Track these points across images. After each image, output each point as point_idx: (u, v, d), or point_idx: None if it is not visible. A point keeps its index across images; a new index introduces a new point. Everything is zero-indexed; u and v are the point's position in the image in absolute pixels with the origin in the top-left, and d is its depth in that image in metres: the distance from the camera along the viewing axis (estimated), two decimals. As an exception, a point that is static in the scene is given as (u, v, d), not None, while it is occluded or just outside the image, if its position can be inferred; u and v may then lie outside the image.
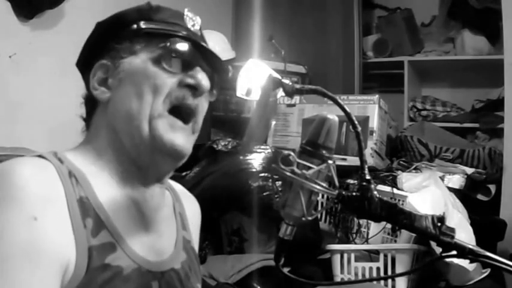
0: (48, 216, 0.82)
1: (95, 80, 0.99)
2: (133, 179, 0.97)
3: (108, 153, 0.96)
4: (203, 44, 1.00)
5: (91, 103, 1.01)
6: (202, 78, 0.97)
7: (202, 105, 0.99)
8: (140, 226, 0.96)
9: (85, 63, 1.02)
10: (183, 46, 0.97)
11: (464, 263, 1.80)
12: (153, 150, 0.94)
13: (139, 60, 0.96)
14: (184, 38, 0.98)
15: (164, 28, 0.98)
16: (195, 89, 0.96)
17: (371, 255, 2.03)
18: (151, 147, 0.94)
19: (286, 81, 0.86)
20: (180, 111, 0.96)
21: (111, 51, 0.98)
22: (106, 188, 0.93)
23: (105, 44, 1.00)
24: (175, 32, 0.98)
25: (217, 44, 2.84)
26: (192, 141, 0.98)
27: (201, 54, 0.99)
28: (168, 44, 0.96)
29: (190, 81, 0.96)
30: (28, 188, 0.81)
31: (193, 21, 1.02)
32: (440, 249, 0.81)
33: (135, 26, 0.98)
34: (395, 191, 2.13)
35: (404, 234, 2.02)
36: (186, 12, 1.02)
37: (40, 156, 0.89)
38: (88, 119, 1.02)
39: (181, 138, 0.95)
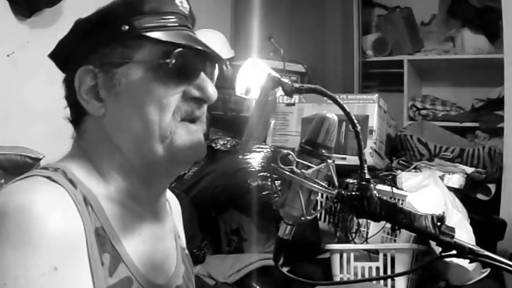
0: (68, 264, 0.75)
1: (82, 89, 0.87)
2: (142, 195, 0.90)
3: (113, 173, 0.88)
4: (203, 45, 0.89)
5: (77, 108, 0.89)
6: (209, 87, 0.89)
7: (205, 110, 0.92)
8: (152, 248, 0.90)
9: (63, 61, 0.91)
10: (187, 56, 0.86)
11: (464, 262, 1.79)
12: (172, 163, 0.88)
13: (137, 72, 0.85)
14: (186, 46, 0.86)
15: (159, 27, 0.86)
16: (202, 101, 0.89)
17: (370, 255, 2.03)
18: (169, 162, 0.87)
19: (286, 80, 0.85)
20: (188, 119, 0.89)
21: (97, 55, 0.86)
22: (116, 210, 0.85)
23: (88, 46, 0.87)
24: (174, 32, 0.87)
25: (216, 43, 2.83)
26: (203, 140, 0.91)
27: (202, 54, 0.89)
28: (173, 60, 0.84)
29: (197, 94, 0.88)
30: (47, 230, 0.73)
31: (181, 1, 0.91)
32: (440, 249, 0.80)
33: (126, 27, 0.85)
34: (394, 190, 2.13)
35: (404, 233, 2.02)
36: None
37: (50, 178, 0.80)
38: (77, 125, 0.92)
39: (199, 139, 0.89)
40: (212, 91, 0.89)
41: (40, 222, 0.73)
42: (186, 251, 1.06)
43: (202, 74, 0.89)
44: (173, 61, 0.85)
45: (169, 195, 1.04)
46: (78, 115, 0.90)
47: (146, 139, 0.86)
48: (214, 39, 2.82)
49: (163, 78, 0.85)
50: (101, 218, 0.82)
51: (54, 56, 0.92)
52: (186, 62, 0.86)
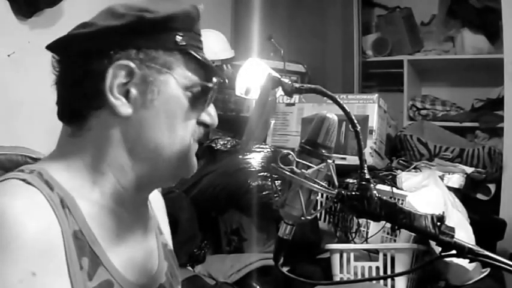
0: (47, 269, 0.73)
1: (115, 83, 0.83)
2: (129, 199, 0.89)
3: (108, 176, 0.86)
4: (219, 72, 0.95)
5: (89, 102, 0.84)
6: (215, 114, 0.93)
7: None
8: (132, 250, 0.90)
9: (88, 48, 0.84)
10: (218, 87, 0.90)
11: (463, 262, 1.79)
12: (171, 176, 0.91)
13: (176, 86, 0.86)
14: (221, 77, 0.92)
15: (198, 49, 0.88)
16: (208, 127, 0.92)
17: (370, 255, 2.03)
18: (172, 175, 0.91)
19: (286, 80, 0.85)
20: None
21: (141, 54, 0.83)
22: (97, 213, 0.84)
23: (135, 42, 0.84)
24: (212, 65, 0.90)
25: (217, 43, 2.83)
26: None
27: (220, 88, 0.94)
28: (215, 86, 0.89)
29: (208, 120, 0.92)
30: (24, 235, 0.71)
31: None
32: (440, 249, 0.81)
33: (182, 39, 0.86)
34: (394, 190, 2.13)
35: (404, 233, 2.02)
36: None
37: (25, 181, 0.78)
38: (79, 121, 0.86)
39: (195, 160, 0.92)
40: (216, 117, 0.93)
41: (16, 227, 0.71)
42: (169, 247, 1.05)
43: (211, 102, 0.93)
44: (215, 87, 0.89)
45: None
46: (86, 109, 0.85)
47: (168, 152, 0.87)
48: (214, 39, 2.82)
49: (196, 99, 0.88)
50: (78, 221, 0.80)
51: (91, 37, 0.84)
52: (215, 91, 0.90)
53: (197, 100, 0.88)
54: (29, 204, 0.75)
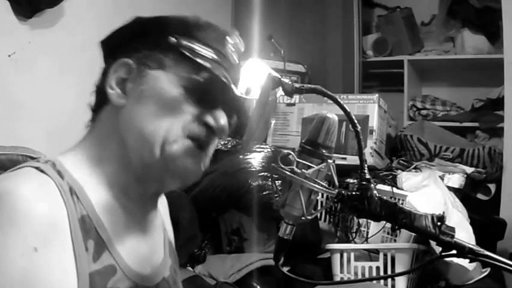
0: (49, 246, 0.77)
1: (113, 77, 0.92)
2: (133, 192, 0.92)
3: (112, 166, 0.91)
4: (234, 88, 0.95)
5: (101, 96, 0.94)
6: (223, 121, 0.91)
7: (214, 143, 0.94)
8: (138, 241, 0.93)
9: (109, 50, 0.96)
10: (212, 83, 0.90)
11: (464, 262, 1.80)
12: (164, 172, 0.90)
13: (167, 79, 0.90)
14: (217, 76, 0.91)
15: (200, 55, 0.91)
16: (212, 130, 0.91)
17: (371, 255, 2.03)
18: (162, 169, 0.89)
19: (286, 80, 0.85)
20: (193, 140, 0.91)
21: (140, 53, 0.91)
22: (105, 202, 0.88)
23: (135, 42, 0.93)
24: (211, 64, 0.91)
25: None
26: (202, 169, 0.93)
27: (228, 94, 0.93)
28: (200, 78, 0.89)
29: (211, 121, 0.91)
30: (30, 213, 0.76)
31: (234, 49, 0.98)
32: (440, 249, 0.81)
33: (174, 40, 0.91)
34: (395, 190, 2.13)
35: (404, 233, 2.02)
36: (230, 39, 0.97)
37: (38, 169, 0.83)
38: (95, 113, 0.96)
39: (195, 163, 0.91)
40: (224, 124, 0.92)
41: (23, 206, 0.76)
42: (173, 246, 1.07)
43: (220, 108, 0.92)
44: (201, 79, 0.90)
45: None
46: (99, 103, 0.95)
47: (150, 139, 0.88)
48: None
49: (187, 93, 0.90)
50: (86, 207, 0.84)
51: (106, 43, 0.97)
52: (210, 87, 0.90)
53: (188, 93, 0.89)
54: (38, 187, 0.80)
